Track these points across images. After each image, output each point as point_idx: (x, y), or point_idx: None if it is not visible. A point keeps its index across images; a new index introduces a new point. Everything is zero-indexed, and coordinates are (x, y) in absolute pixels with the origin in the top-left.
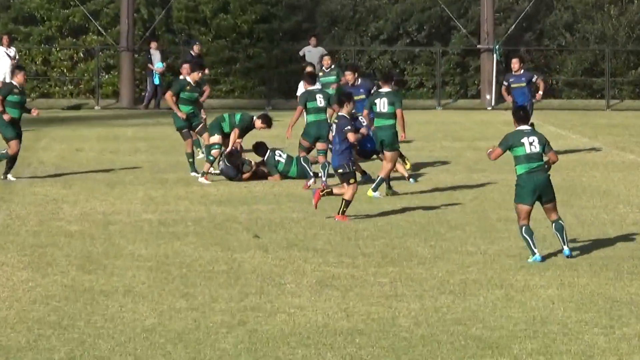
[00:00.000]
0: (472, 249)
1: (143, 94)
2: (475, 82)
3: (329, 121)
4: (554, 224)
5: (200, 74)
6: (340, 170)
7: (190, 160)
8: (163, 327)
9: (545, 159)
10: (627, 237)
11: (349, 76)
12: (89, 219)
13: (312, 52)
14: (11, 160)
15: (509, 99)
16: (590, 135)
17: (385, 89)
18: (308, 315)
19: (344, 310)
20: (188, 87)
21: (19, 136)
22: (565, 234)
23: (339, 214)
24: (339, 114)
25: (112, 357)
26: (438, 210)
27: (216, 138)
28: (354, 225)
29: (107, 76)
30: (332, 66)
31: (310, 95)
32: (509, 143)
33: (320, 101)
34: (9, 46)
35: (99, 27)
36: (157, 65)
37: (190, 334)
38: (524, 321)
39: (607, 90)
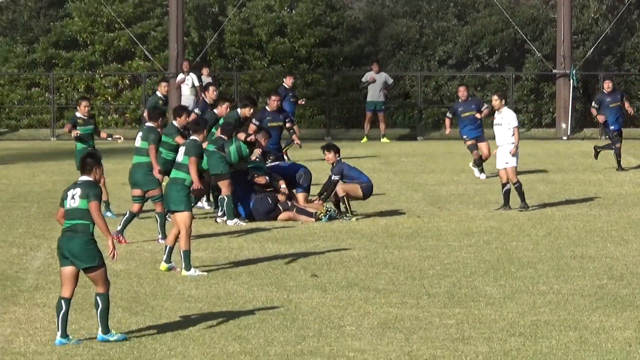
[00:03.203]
0: (544, 289)
1: None
2: (550, 109)
3: None
4: None
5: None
6: None
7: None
8: None
9: None
10: None
11: None
12: (136, 257)
13: (374, 80)
14: None
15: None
16: None
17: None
18: (368, 358)
19: (408, 354)
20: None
21: None
22: None
23: None
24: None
25: None
26: (508, 247)
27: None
28: (419, 264)
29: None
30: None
31: None
32: None
33: None
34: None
35: (146, 52)
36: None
37: None
38: None
39: None
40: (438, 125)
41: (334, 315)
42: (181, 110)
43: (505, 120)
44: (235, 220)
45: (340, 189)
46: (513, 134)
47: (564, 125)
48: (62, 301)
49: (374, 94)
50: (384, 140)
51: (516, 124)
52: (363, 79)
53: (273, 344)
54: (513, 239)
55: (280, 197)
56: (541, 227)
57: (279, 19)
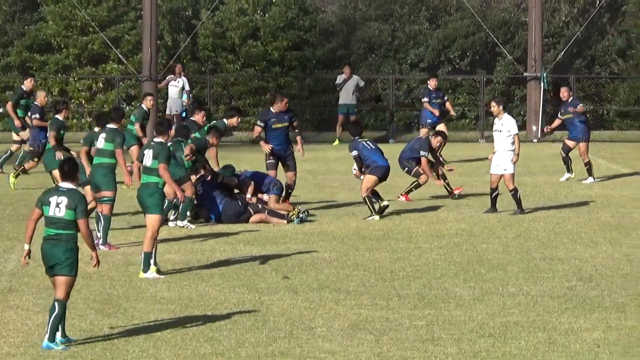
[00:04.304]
0: (514, 290)
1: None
2: (521, 112)
3: None
4: None
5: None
6: None
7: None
8: None
9: None
10: None
11: None
12: (109, 260)
13: (346, 82)
14: None
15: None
16: None
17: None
18: (339, 359)
19: (378, 355)
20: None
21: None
22: None
23: None
24: None
25: None
26: (478, 249)
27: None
28: (389, 266)
29: (128, 107)
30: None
31: None
32: None
33: None
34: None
35: (120, 55)
36: (183, 97)
37: None
38: None
39: None
40: (410, 128)
41: (305, 317)
42: (165, 127)
43: (505, 127)
44: (186, 222)
45: (362, 188)
46: (513, 141)
47: (534, 128)
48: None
49: (347, 97)
50: None
51: (516, 131)
52: (337, 81)
53: (244, 345)
54: (483, 241)
55: (251, 199)
56: (511, 229)
57: (252, 23)
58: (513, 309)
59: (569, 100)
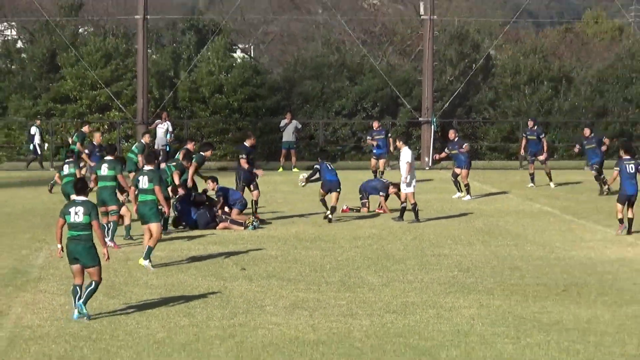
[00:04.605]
0: (411, 278)
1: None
2: (417, 147)
3: None
4: None
5: None
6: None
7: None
8: (170, 340)
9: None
10: (532, 269)
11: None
12: (112, 256)
13: (287, 125)
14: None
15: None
16: (506, 189)
17: None
18: (283, 330)
19: (311, 326)
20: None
21: None
22: None
23: None
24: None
25: None
26: (385, 247)
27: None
28: (319, 260)
29: (126, 144)
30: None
31: None
32: None
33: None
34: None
35: (120, 105)
36: (167, 136)
37: (192, 344)
38: (450, 334)
39: (520, 150)
40: (334, 159)
41: (257, 298)
42: (153, 158)
43: (401, 158)
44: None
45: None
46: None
47: (427, 159)
48: (76, 287)
49: (288, 136)
50: (295, 170)
51: (408, 160)
52: (281, 125)
53: (213, 319)
54: (389, 242)
55: (218, 212)
56: (409, 233)
57: (218, 81)
58: (410, 292)
59: (455, 139)
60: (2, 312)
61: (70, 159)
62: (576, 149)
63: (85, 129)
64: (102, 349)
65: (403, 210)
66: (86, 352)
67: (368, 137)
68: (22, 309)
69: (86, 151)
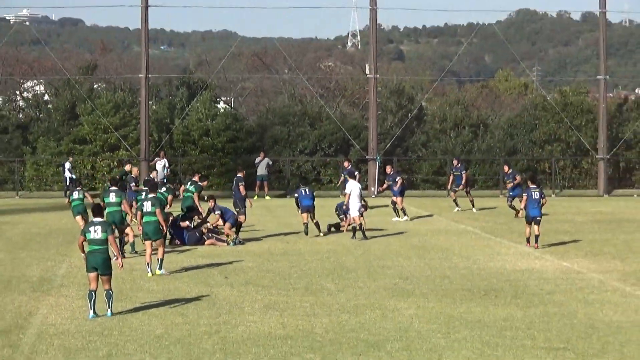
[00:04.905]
0: (362, 285)
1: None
2: (365, 180)
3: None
4: None
5: None
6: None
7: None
8: (168, 335)
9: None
10: (459, 277)
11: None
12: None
13: (261, 162)
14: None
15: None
16: (437, 214)
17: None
18: (259, 327)
19: (281, 323)
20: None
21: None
22: None
23: None
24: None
25: (136, 354)
26: (340, 260)
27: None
28: (288, 270)
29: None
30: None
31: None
32: None
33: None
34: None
35: (127, 146)
36: (165, 170)
37: (185, 339)
38: (394, 330)
39: (448, 184)
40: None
41: (238, 301)
42: (154, 188)
43: (345, 189)
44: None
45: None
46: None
47: (373, 189)
48: (92, 292)
49: (261, 170)
50: (267, 197)
51: (348, 191)
52: (255, 161)
53: (202, 318)
54: (343, 255)
55: (205, 231)
56: (360, 248)
57: (205, 126)
58: (361, 296)
59: (391, 173)
60: (31, 312)
61: (78, 187)
62: (508, 185)
63: (127, 167)
64: (111, 342)
65: (354, 230)
66: (99, 345)
67: (342, 175)
68: (47, 310)
69: (132, 184)
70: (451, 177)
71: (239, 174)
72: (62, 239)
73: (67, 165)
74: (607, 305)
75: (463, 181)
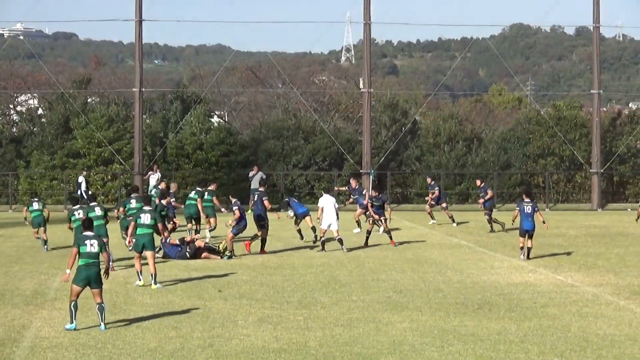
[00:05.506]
0: (355, 298)
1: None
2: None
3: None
4: None
5: None
6: None
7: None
8: (161, 348)
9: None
10: (453, 291)
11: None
12: (114, 281)
13: (255, 176)
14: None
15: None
16: (430, 227)
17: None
18: (252, 340)
19: (275, 337)
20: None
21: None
22: None
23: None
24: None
25: None
26: (334, 273)
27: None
28: (281, 284)
29: (124, 190)
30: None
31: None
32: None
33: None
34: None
35: (121, 159)
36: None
37: (178, 352)
38: (388, 343)
39: (442, 197)
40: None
41: (231, 314)
42: (149, 201)
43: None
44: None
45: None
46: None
47: (366, 202)
48: (76, 302)
49: (255, 184)
50: None
51: (320, 205)
52: (249, 175)
53: (195, 331)
54: (337, 269)
55: (198, 243)
56: (353, 262)
57: (199, 140)
58: (355, 310)
59: (357, 188)
60: (25, 325)
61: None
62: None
63: (162, 185)
64: (105, 356)
65: (323, 243)
66: (92, 358)
67: (335, 187)
68: (41, 323)
69: (172, 200)
70: (430, 194)
71: (261, 189)
72: (56, 253)
73: (81, 179)
74: (601, 318)
75: (434, 196)
